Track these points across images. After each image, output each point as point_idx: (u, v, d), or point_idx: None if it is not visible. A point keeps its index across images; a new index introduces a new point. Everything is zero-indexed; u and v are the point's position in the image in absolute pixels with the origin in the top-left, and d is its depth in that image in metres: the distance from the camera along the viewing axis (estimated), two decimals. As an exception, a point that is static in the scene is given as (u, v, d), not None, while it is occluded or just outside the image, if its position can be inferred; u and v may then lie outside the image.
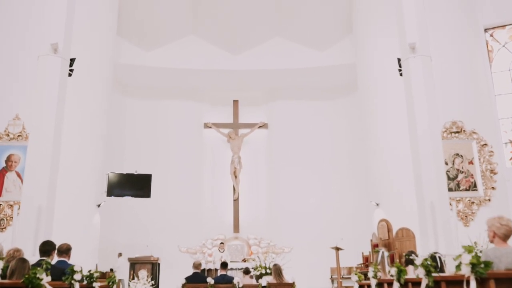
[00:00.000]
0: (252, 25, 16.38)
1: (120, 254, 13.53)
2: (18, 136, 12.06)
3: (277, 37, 16.68)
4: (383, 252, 6.07)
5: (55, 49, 8.89)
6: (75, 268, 4.22)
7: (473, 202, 12.03)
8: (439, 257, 5.28)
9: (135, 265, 12.49)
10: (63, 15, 9.16)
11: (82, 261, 11.06)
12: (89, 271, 4.68)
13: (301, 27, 16.38)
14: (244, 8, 16.05)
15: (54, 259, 4.97)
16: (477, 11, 14.07)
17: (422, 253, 7.69)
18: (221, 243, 14.88)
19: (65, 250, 5.04)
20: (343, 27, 16.06)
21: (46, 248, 4.65)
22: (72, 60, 9.37)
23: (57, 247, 5.05)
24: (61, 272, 4.33)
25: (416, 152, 9.02)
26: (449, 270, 5.93)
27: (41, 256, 4.56)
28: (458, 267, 3.45)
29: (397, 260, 8.68)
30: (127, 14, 15.39)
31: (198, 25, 16.52)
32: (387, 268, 5.47)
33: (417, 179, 8.99)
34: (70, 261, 5.11)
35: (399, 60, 9.85)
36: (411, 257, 5.22)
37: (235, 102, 17.78)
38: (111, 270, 12.61)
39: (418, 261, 3.60)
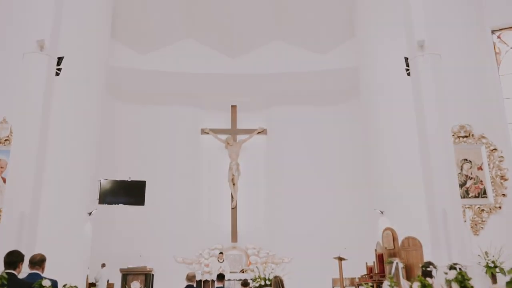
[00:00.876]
0: (251, 27, 15.95)
1: (103, 265, 12.98)
2: (5, 140, 11.50)
3: (276, 40, 16.25)
4: (397, 263, 5.51)
5: (42, 46, 8.37)
6: (44, 283, 3.63)
7: (483, 210, 11.49)
8: (460, 269, 4.70)
9: (127, 276, 11.94)
10: (51, 10, 8.65)
11: (71, 272, 10.57)
12: (64, 285, 4.09)
13: (302, 29, 15.96)
14: (243, 10, 15.64)
15: (25, 271, 4.38)
16: (483, 12, 13.65)
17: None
18: (220, 253, 14.32)
19: (39, 262, 4.47)
20: (345, 30, 15.64)
21: (11, 259, 4.04)
22: (60, 59, 8.83)
23: (30, 257, 4.47)
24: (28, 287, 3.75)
25: (426, 156, 8.50)
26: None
27: (6, 268, 3.96)
28: (510, 283, 2.87)
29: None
30: (122, 15, 14.96)
31: (195, 27, 16.09)
32: (403, 282, 4.90)
33: (428, 185, 8.46)
34: (51, 274, 4.58)
35: (406, 59, 9.37)
36: (428, 269, 4.66)
37: (233, 107, 17.36)
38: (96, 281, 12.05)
39: (450, 274, 3.04)
